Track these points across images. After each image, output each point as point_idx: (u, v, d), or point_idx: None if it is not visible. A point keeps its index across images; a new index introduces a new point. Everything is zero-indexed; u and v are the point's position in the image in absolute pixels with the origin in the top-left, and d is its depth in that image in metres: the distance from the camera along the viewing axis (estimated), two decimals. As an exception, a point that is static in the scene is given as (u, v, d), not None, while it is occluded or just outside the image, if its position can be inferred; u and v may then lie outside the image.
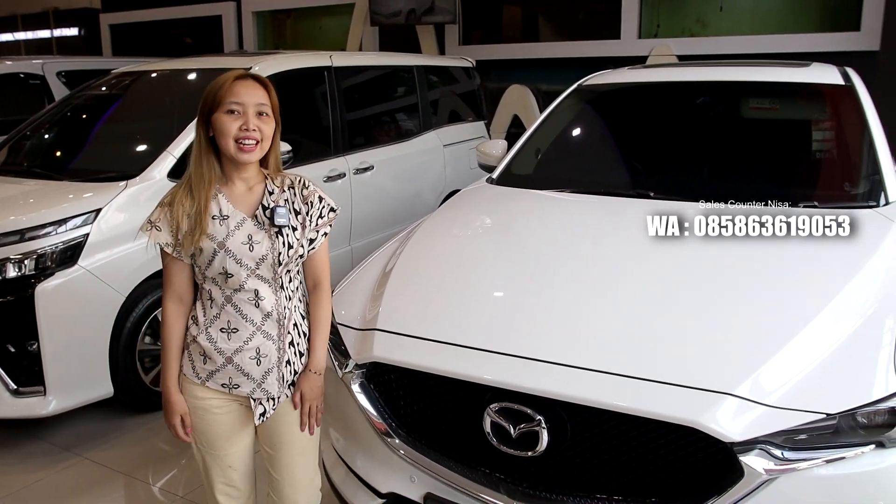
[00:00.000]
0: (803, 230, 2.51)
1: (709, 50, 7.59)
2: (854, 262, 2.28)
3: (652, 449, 1.84)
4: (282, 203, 1.93)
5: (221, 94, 1.85)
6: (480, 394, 2.01)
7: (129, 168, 3.79)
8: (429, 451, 2.13)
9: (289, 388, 2.01)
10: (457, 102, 6.77)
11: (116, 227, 3.56)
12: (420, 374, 2.11)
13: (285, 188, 1.97)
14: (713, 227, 2.59)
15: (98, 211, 3.52)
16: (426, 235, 2.87)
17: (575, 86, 3.94)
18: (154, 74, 4.86)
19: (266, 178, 1.97)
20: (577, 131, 3.87)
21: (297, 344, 2.01)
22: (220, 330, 1.93)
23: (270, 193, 1.94)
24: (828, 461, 1.73)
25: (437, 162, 6.04)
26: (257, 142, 1.86)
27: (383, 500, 2.25)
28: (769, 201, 2.77)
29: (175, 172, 3.81)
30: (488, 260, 2.64)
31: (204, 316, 1.94)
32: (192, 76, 4.68)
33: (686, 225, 2.60)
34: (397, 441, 2.16)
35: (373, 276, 2.61)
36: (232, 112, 1.84)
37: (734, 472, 1.74)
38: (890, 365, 1.83)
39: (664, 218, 2.57)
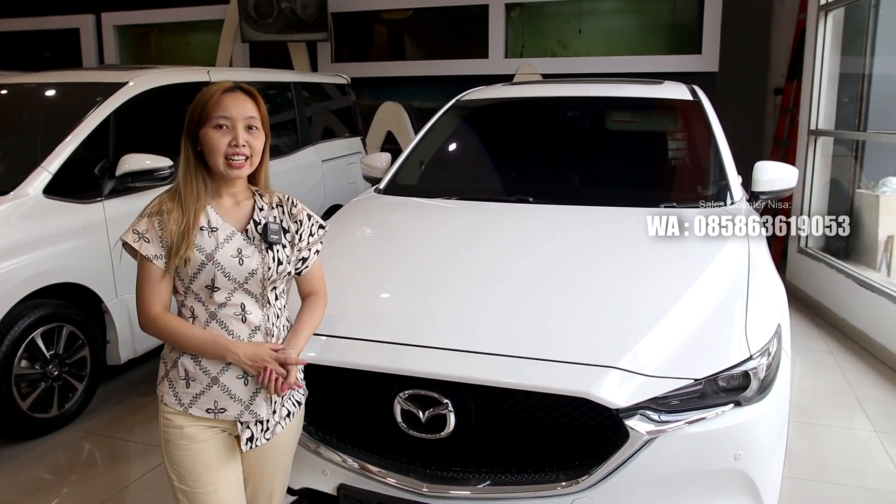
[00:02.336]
0: (666, 226, 2.82)
1: (570, 69, 8.12)
2: (709, 252, 2.61)
3: (548, 422, 2.03)
4: (271, 220, 1.89)
5: (209, 109, 1.79)
6: (389, 384, 2.13)
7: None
8: (340, 444, 2.23)
9: (286, 418, 1.92)
10: (333, 119, 6.86)
11: (-11, 245, 3.41)
12: (328, 370, 2.20)
13: (274, 205, 1.93)
14: (587, 225, 2.86)
15: (-32, 229, 3.36)
16: (325, 243, 2.96)
17: (453, 101, 4.17)
18: (17, 88, 4.65)
19: (254, 194, 1.92)
20: (456, 143, 4.09)
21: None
22: None
23: (260, 210, 1.90)
24: (696, 420, 1.99)
25: (316, 177, 6.11)
26: (247, 157, 1.81)
27: (295, 497, 2.32)
28: (634, 203, 3.09)
29: (52, 189, 3.69)
30: (385, 262, 2.77)
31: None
32: (57, 91, 4.50)
33: (563, 224, 2.85)
34: (307, 436, 2.24)
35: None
36: (220, 127, 1.78)
37: (620, 436, 1.97)
38: (742, 335, 2.13)
39: (544, 217, 2.81)
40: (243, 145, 1.79)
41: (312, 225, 1.98)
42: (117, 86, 4.21)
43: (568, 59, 8.36)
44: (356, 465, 2.20)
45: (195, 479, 1.85)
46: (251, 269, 1.82)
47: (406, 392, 2.09)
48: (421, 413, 2.08)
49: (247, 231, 1.86)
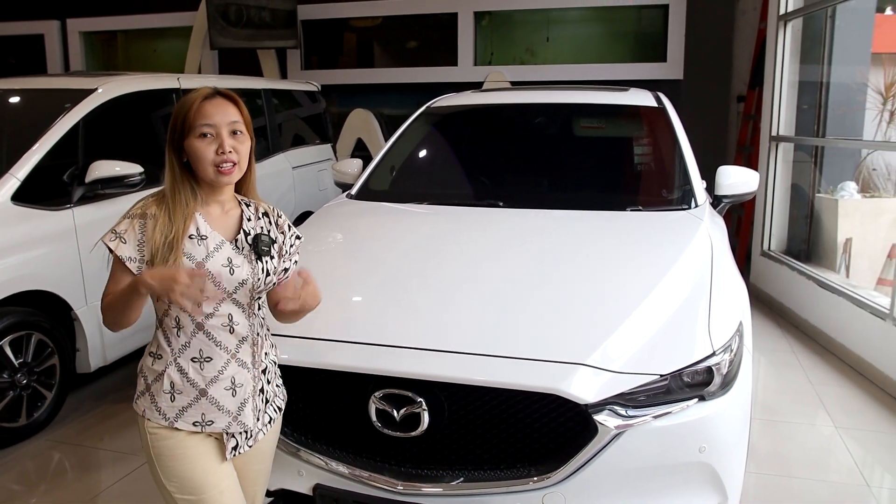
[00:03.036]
0: (633, 228, 2.90)
1: (538, 77, 8.24)
2: (674, 253, 2.68)
3: (520, 419, 2.09)
4: (259, 230, 1.88)
5: (191, 118, 1.75)
6: (364, 384, 2.17)
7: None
8: (315, 445, 2.27)
9: (267, 424, 1.92)
10: (303, 126, 6.88)
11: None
12: (303, 372, 2.23)
13: (260, 215, 1.92)
14: (556, 228, 2.93)
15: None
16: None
17: (424, 108, 4.22)
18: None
19: (240, 203, 1.90)
20: (427, 149, 4.14)
21: (268, 372, 1.93)
22: (192, 360, 1.78)
23: (248, 220, 1.88)
24: (662, 415, 2.06)
25: (287, 184, 6.12)
26: (234, 163, 1.78)
27: (271, 499, 2.34)
28: (601, 207, 3.17)
29: (20, 196, 3.66)
30: (358, 265, 2.81)
31: (170, 346, 1.78)
32: (25, 97, 4.45)
33: (532, 227, 2.92)
34: (283, 438, 2.26)
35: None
36: (205, 136, 1.75)
37: (589, 431, 2.03)
38: (706, 333, 2.21)
39: (513, 221, 2.87)
40: (230, 151, 1.76)
41: (291, 236, 1.98)
42: (86, 92, 4.19)
43: (536, 67, 8.47)
44: (332, 465, 2.23)
45: (197, 485, 1.80)
46: (241, 279, 1.80)
47: (380, 391, 2.13)
48: (395, 412, 2.12)
49: (236, 241, 1.84)
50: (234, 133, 1.79)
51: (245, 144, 1.81)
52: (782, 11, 6.09)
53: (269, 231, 1.90)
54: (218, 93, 1.81)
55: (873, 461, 3.52)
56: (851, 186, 5.85)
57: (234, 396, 1.82)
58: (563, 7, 8.37)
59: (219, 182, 1.79)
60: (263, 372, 1.90)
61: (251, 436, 1.88)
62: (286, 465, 2.28)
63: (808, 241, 6.26)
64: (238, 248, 1.83)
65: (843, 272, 5.70)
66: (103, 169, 3.94)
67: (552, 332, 2.20)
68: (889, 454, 3.59)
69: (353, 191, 3.69)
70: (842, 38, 5.95)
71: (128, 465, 3.45)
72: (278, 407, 1.99)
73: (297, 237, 2.00)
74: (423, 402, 2.10)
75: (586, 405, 2.01)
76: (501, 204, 3.25)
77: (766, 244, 6.38)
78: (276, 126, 6.18)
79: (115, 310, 1.74)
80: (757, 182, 3.55)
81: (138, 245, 1.74)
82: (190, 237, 1.76)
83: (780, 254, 6.21)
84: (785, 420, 3.95)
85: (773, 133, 6.26)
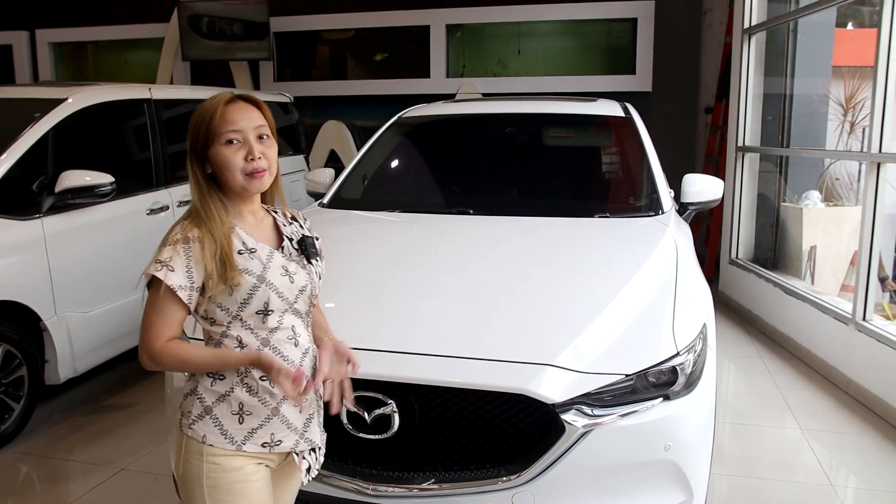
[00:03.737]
0: (601, 234, 2.95)
1: (510, 88, 8.33)
2: (641, 256, 2.74)
3: (489, 420, 2.12)
4: (297, 234, 1.81)
5: (215, 125, 1.65)
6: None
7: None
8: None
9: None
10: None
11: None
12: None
13: (289, 220, 1.84)
14: (525, 235, 2.98)
15: None
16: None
17: (395, 118, 4.27)
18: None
19: (268, 210, 1.82)
20: (399, 158, 4.18)
21: (325, 382, 1.80)
22: (261, 378, 1.66)
23: (284, 226, 1.81)
24: (628, 414, 2.10)
25: (260, 194, 6.10)
26: (265, 169, 1.68)
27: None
28: (570, 213, 3.22)
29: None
30: (330, 271, 2.81)
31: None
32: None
33: (501, 234, 2.96)
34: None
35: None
36: (231, 142, 1.65)
37: (557, 430, 2.06)
38: (670, 334, 2.26)
39: (483, 228, 2.91)
40: (259, 157, 1.66)
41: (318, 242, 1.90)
42: (56, 102, 4.17)
43: (508, 79, 8.57)
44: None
45: None
46: (301, 286, 1.72)
47: (352, 394, 2.14)
48: (366, 414, 2.14)
49: (282, 248, 1.75)
50: (260, 137, 1.69)
51: (273, 149, 1.71)
52: (746, 25, 6.24)
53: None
54: (239, 97, 1.72)
55: (837, 462, 3.60)
56: (815, 195, 5.99)
57: (300, 412, 1.73)
58: (534, 20, 8.48)
59: (250, 190, 1.69)
60: (323, 383, 1.79)
61: (319, 455, 1.80)
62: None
63: (775, 249, 6.39)
64: (286, 255, 1.74)
65: (809, 279, 5.83)
66: (73, 179, 3.92)
67: (520, 335, 2.24)
68: (852, 455, 3.67)
69: (325, 199, 3.72)
70: (804, 52, 6.12)
71: (98, 476, 3.42)
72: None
73: (321, 250, 1.91)
74: (394, 405, 2.12)
75: (553, 405, 2.05)
76: (471, 211, 3.30)
77: (733, 252, 6.50)
78: (248, 137, 6.17)
79: (190, 365, 1.63)
80: (721, 190, 3.64)
81: (187, 271, 1.60)
82: (239, 252, 1.65)
83: (748, 262, 6.33)
84: (753, 423, 4.02)
85: (740, 143, 6.39)
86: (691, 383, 2.23)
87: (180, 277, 1.58)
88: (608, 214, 3.24)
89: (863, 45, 4.34)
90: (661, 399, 2.15)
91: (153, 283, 1.61)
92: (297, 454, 1.74)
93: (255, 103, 1.72)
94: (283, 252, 1.74)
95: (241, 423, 1.65)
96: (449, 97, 7.96)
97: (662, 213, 3.29)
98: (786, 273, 5.97)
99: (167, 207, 4.82)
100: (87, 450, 3.72)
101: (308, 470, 1.76)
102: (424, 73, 8.63)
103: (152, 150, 4.84)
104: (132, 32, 9.52)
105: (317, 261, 1.80)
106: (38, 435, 3.89)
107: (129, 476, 3.43)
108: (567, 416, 2.05)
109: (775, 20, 5.97)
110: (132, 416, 4.13)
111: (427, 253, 2.90)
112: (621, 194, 3.64)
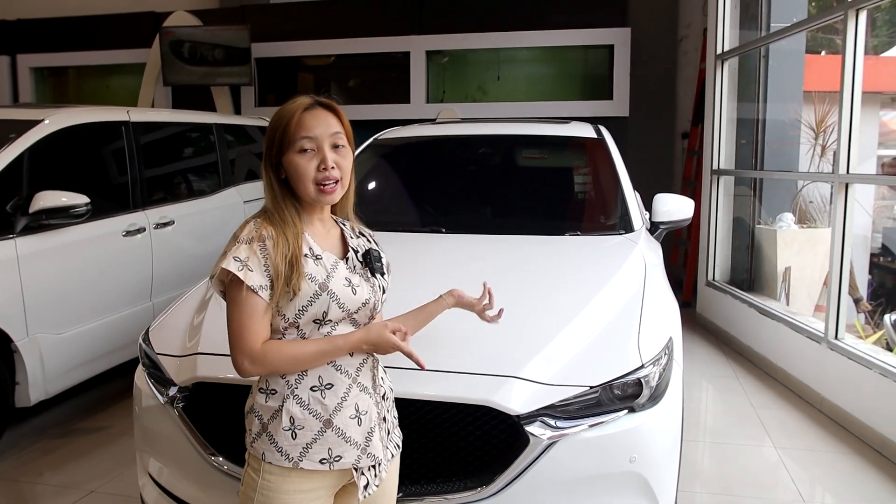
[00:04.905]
0: (571, 251, 2.99)
1: (489, 113, 8.43)
2: (608, 272, 2.78)
3: (454, 432, 2.12)
4: (363, 248, 1.78)
5: (290, 131, 1.62)
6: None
7: None
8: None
9: (390, 460, 1.76)
10: (255, 160, 6.91)
11: None
12: (241, 389, 2.23)
13: (357, 234, 1.82)
14: (496, 252, 3.00)
15: None
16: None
17: (371, 140, 4.31)
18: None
19: (336, 221, 1.80)
20: (374, 179, 4.21)
21: (388, 399, 1.79)
22: (311, 388, 1.63)
23: (351, 238, 1.78)
24: (592, 426, 2.12)
25: (238, 217, 6.10)
26: (337, 180, 1.65)
27: (209, 521, 2.32)
28: (541, 232, 3.26)
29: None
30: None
31: (284, 378, 1.63)
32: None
33: (473, 251, 2.99)
34: (222, 458, 2.26)
35: (188, 311, 2.70)
36: (305, 151, 1.62)
37: (521, 442, 2.07)
38: (636, 346, 2.29)
39: (455, 246, 2.94)
40: (333, 167, 1.63)
41: (386, 263, 1.87)
42: (32, 123, 4.18)
43: (487, 104, 8.67)
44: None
45: None
46: (364, 299, 1.69)
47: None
48: (332, 428, 2.13)
49: (347, 259, 1.73)
50: (335, 147, 1.66)
51: (347, 159, 1.69)
52: (719, 51, 6.37)
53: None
54: (318, 103, 1.68)
55: (810, 479, 3.62)
56: (789, 217, 6.07)
57: (359, 426, 1.66)
58: (513, 47, 8.61)
59: (321, 201, 1.66)
60: (384, 398, 1.77)
61: (380, 471, 1.72)
62: (224, 485, 2.27)
63: (751, 270, 6.46)
64: (351, 267, 1.72)
65: (784, 300, 5.89)
66: (48, 199, 3.91)
67: (486, 348, 2.25)
68: (824, 471, 3.70)
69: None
70: (776, 78, 6.24)
71: (66, 499, 3.37)
72: (397, 444, 1.83)
73: (388, 265, 1.87)
74: (360, 418, 2.12)
75: (517, 416, 2.05)
76: (444, 230, 3.33)
77: (710, 275, 6.56)
78: (227, 161, 6.21)
79: (300, 365, 1.62)
80: (692, 209, 3.70)
81: (265, 269, 1.58)
82: (305, 256, 1.63)
83: (724, 283, 6.38)
84: (728, 442, 4.04)
85: (714, 167, 6.49)
86: (656, 396, 2.25)
87: (260, 277, 1.57)
88: (579, 232, 3.28)
89: (831, 71, 4.46)
90: (626, 411, 2.17)
91: (233, 285, 1.58)
92: (357, 470, 1.66)
93: (333, 110, 1.68)
94: (347, 263, 1.71)
95: (294, 439, 1.61)
96: (429, 122, 8.03)
97: (633, 231, 3.33)
98: (762, 294, 6.03)
99: (144, 229, 4.81)
100: (57, 473, 3.67)
101: (366, 486, 1.68)
102: (405, 98, 8.71)
103: (129, 172, 4.84)
104: (114, 58, 9.57)
105: (381, 275, 1.78)
106: (6, 458, 3.83)
107: (98, 498, 3.39)
108: (531, 428, 2.06)
109: (746, 46, 6.10)
110: (104, 440, 4.08)
111: (398, 270, 2.91)
112: (592, 213, 3.69)
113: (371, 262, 1.75)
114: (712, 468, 3.73)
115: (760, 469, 3.72)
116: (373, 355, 1.73)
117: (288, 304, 1.61)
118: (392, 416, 1.82)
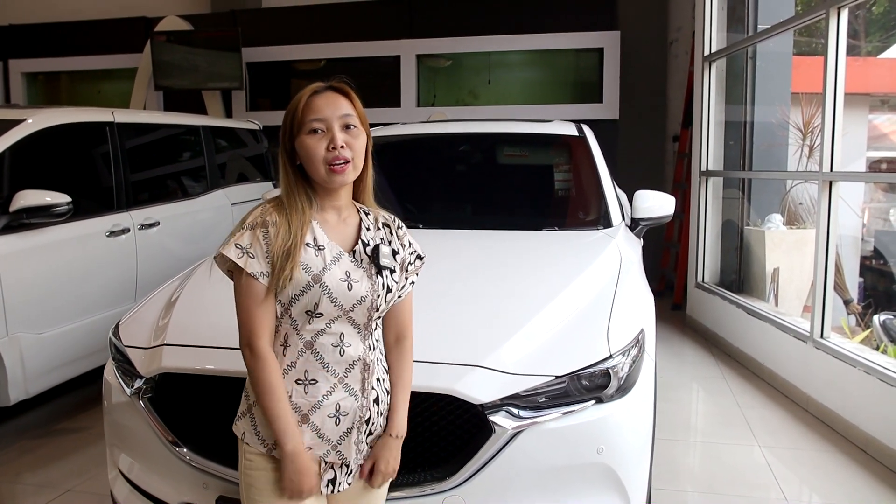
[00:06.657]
0: (547, 245, 2.97)
1: (479, 117, 8.41)
2: (581, 265, 2.77)
3: (419, 423, 2.09)
4: (379, 240, 1.73)
5: (300, 114, 1.63)
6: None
7: None
8: (218, 456, 2.23)
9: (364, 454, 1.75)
10: (244, 163, 6.91)
11: None
12: (208, 381, 2.22)
13: (380, 225, 1.78)
14: (473, 246, 2.99)
15: None
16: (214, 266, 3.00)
17: (355, 139, 4.30)
18: None
19: (359, 211, 1.77)
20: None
21: (381, 402, 1.75)
22: (296, 382, 1.63)
23: (367, 229, 1.74)
24: (559, 416, 2.09)
25: (226, 220, 6.10)
26: (348, 161, 1.63)
27: (174, 515, 2.30)
28: (520, 227, 3.25)
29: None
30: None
31: None
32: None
33: (449, 245, 2.98)
34: (186, 450, 2.24)
35: (158, 305, 2.69)
36: (315, 132, 1.62)
37: (486, 432, 2.05)
38: (604, 337, 2.27)
39: (433, 240, 2.91)
40: (342, 147, 1.62)
41: (412, 253, 1.82)
42: (15, 122, 4.17)
43: (478, 108, 8.67)
44: (235, 477, 2.20)
45: None
46: (360, 296, 1.65)
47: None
48: (297, 419, 2.11)
49: (354, 252, 1.69)
50: (346, 127, 1.65)
51: (360, 140, 1.66)
52: (706, 53, 6.38)
53: (389, 241, 1.77)
54: (330, 87, 1.69)
55: (793, 477, 3.59)
56: (777, 218, 6.06)
57: (336, 425, 1.66)
58: (503, 51, 8.62)
59: (332, 182, 1.64)
60: (375, 402, 1.73)
61: (351, 472, 1.72)
62: (190, 477, 2.25)
63: (740, 271, 6.45)
64: (357, 261, 1.68)
65: (773, 301, 5.87)
66: (29, 198, 3.90)
67: (453, 338, 2.24)
68: (807, 469, 3.67)
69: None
70: (763, 79, 6.24)
71: (44, 497, 3.35)
72: (370, 432, 1.78)
73: (419, 257, 1.85)
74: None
75: (482, 406, 2.04)
76: (421, 226, 3.31)
77: (699, 276, 6.54)
78: (215, 162, 6.20)
79: (260, 398, 1.62)
80: (672, 206, 3.68)
81: (266, 257, 1.60)
82: (306, 245, 1.62)
83: (713, 285, 6.37)
84: (713, 441, 4.02)
85: (703, 168, 6.48)
86: (626, 388, 2.23)
87: (261, 264, 1.59)
88: (556, 228, 3.27)
89: (819, 72, 4.46)
90: (593, 402, 2.15)
91: (236, 270, 1.63)
92: (325, 462, 1.67)
93: (344, 93, 1.68)
94: (354, 256, 1.68)
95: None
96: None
97: (611, 226, 3.32)
98: (751, 296, 6.01)
99: (128, 230, 4.80)
100: (37, 473, 3.64)
101: (332, 482, 1.69)
102: (395, 102, 8.72)
103: (114, 173, 4.83)
104: (106, 63, 9.59)
105: (388, 273, 1.72)
106: (-15, 458, 3.81)
107: (74, 497, 3.37)
108: (495, 418, 2.04)
109: (733, 46, 6.10)
110: (84, 440, 4.05)
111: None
112: (571, 209, 3.68)
113: (378, 259, 1.70)
114: (697, 466, 3.71)
115: (743, 467, 3.69)
116: (364, 359, 1.70)
117: (284, 292, 1.62)
118: (383, 417, 1.79)
